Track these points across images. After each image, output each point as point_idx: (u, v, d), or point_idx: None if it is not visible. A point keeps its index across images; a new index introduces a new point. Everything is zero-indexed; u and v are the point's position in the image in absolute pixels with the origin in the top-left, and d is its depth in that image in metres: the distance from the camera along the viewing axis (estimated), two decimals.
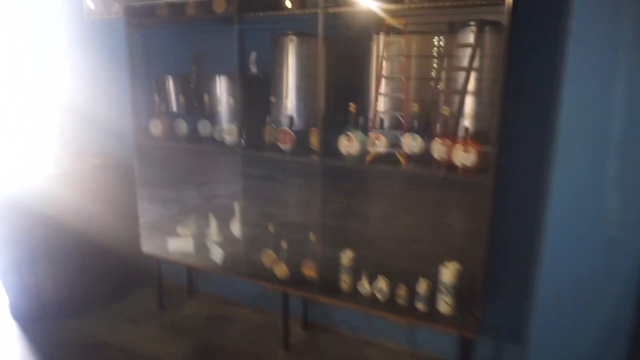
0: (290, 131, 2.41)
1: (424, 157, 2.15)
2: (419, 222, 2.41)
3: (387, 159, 2.23)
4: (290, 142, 2.43)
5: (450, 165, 2.08)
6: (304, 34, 2.43)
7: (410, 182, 2.39)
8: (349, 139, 2.28)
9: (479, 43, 2.02)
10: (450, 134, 2.10)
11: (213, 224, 2.95)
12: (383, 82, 2.23)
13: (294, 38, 2.43)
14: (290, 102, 2.49)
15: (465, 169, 2.05)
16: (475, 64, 2.04)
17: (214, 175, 3.04)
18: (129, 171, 3.07)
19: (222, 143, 2.69)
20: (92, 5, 3.45)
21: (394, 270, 2.40)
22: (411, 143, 2.19)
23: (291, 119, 2.46)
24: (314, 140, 2.40)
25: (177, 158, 3.07)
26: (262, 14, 2.39)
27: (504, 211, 2.32)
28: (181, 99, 2.93)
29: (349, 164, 2.30)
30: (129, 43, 2.83)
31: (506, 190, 2.29)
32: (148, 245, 3.08)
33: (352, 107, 2.28)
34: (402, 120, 2.21)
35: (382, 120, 2.28)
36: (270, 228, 2.70)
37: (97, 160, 3.26)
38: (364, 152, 2.28)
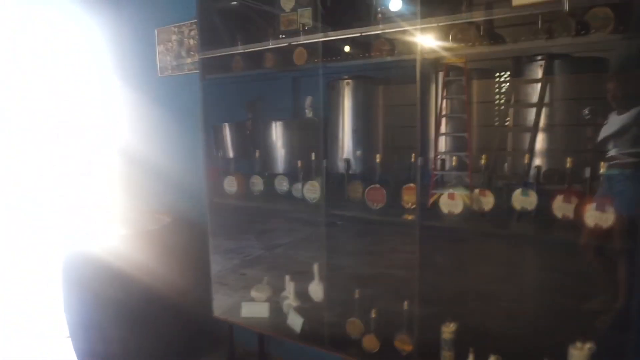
0: (382, 188, 2.19)
1: (540, 214, 1.89)
2: (536, 291, 2.07)
3: (495, 216, 1.97)
4: (381, 201, 2.20)
5: (576, 225, 1.78)
6: (360, 77, 2.47)
7: (524, 243, 2.08)
8: (452, 197, 2.02)
9: (548, 78, 1.91)
10: (573, 187, 1.84)
11: (290, 287, 2.72)
12: (444, 122, 2.13)
13: (350, 82, 2.45)
14: (347, 145, 2.48)
15: (599, 231, 1.74)
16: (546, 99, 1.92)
17: (292, 234, 2.84)
18: (199, 228, 2.92)
19: (302, 200, 2.50)
20: (158, 62, 3.44)
21: (508, 347, 2.05)
22: (522, 198, 1.94)
23: (348, 162, 2.42)
24: (407, 197, 2.16)
25: (251, 215, 2.91)
26: (346, 62, 2.28)
27: None
28: (256, 151, 2.77)
29: (453, 224, 2.04)
30: (204, 96, 2.73)
31: None
32: (220, 309, 2.88)
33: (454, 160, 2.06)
34: (466, 161, 2.04)
35: (443, 162, 2.14)
36: (357, 293, 2.43)
37: (167, 219, 3.13)
38: (467, 211, 2.02)
